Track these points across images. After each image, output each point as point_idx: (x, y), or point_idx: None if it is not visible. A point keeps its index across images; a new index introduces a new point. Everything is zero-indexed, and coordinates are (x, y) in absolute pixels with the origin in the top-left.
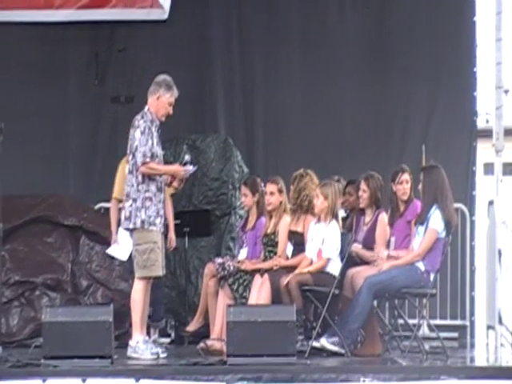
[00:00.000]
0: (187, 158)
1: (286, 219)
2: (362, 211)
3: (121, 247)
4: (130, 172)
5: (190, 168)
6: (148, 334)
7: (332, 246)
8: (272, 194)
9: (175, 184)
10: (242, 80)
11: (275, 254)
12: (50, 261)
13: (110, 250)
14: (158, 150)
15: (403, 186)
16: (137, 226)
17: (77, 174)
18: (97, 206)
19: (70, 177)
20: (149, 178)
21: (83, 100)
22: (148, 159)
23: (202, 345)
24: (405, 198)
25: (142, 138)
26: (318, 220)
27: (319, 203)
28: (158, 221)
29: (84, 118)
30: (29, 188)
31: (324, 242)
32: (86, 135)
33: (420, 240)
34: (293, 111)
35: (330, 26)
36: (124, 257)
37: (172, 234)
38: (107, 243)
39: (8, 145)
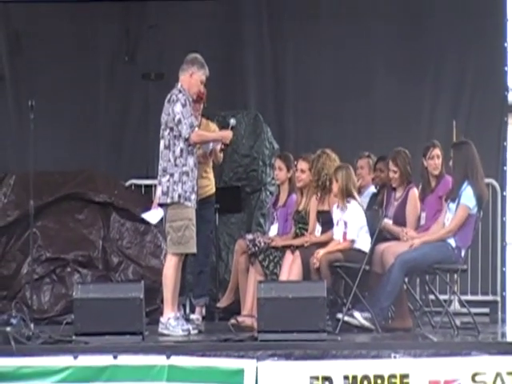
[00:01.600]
0: (233, 121)
1: None
2: (393, 187)
3: (156, 213)
4: (166, 147)
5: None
6: (185, 310)
7: (354, 227)
8: (303, 171)
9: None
10: (273, 56)
11: (306, 230)
12: (81, 237)
13: (145, 215)
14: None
15: (434, 160)
16: (174, 200)
17: (107, 151)
18: (127, 183)
19: (100, 154)
20: (187, 151)
21: (114, 76)
22: (195, 128)
23: (232, 321)
24: (436, 173)
25: (184, 110)
26: (339, 204)
27: (334, 187)
28: (193, 197)
29: (114, 94)
30: (60, 165)
31: (346, 225)
32: (117, 112)
33: (452, 216)
34: (323, 87)
35: None
36: (153, 221)
37: None
38: (138, 220)
39: (39, 122)
